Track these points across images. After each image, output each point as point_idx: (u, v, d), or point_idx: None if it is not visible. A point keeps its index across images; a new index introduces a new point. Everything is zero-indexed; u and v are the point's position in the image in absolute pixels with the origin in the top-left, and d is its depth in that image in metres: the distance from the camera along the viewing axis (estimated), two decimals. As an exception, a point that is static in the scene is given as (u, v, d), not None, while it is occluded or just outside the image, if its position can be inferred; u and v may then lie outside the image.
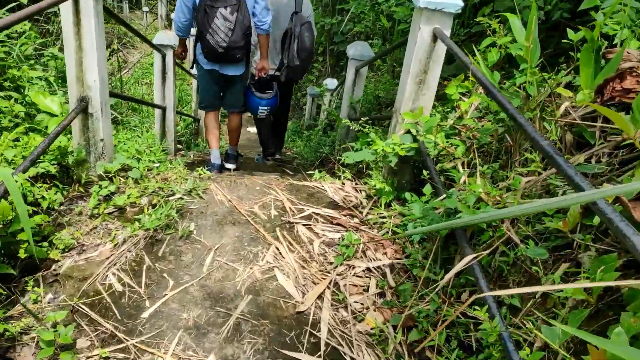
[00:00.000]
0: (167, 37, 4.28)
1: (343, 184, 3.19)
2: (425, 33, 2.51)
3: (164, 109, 4.54)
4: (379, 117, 4.12)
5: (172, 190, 2.81)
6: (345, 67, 9.22)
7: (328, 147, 4.54)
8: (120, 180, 2.80)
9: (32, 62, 4.03)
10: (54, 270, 2.23)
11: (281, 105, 4.69)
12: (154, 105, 4.57)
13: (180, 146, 6.21)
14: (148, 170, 3.01)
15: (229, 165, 4.31)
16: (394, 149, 2.58)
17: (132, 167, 2.89)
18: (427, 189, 2.17)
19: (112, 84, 5.92)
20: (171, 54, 4.34)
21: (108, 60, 8.99)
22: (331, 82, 6.88)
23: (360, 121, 3.20)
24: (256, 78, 4.09)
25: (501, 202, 1.91)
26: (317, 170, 3.98)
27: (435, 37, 2.52)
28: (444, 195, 2.07)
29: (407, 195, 2.64)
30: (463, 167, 2.27)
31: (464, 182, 2.10)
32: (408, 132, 2.68)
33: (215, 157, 4.15)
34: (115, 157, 2.88)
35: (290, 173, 4.26)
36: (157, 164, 3.09)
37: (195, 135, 6.85)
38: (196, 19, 3.44)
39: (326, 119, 6.62)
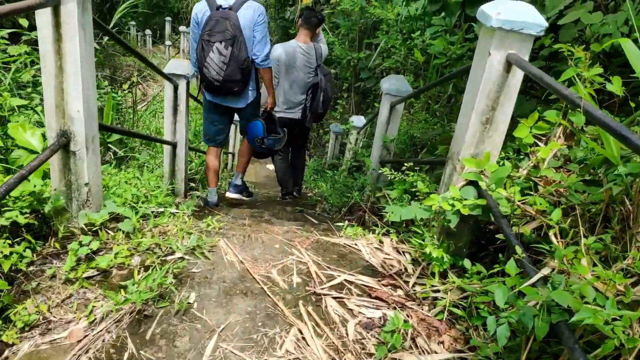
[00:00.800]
0: (181, 65, 3.83)
1: (381, 242, 2.61)
2: (497, 60, 1.97)
3: (174, 145, 4.05)
4: (421, 161, 3.56)
5: (171, 248, 2.26)
6: (371, 104, 8.80)
7: (357, 192, 3.99)
8: (108, 234, 2.27)
9: (29, 90, 3.60)
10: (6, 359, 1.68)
11: (299, 143, 5.15)
12: (161, 141, 4.09)
13: (193, 184, 5.72)
14: (144, 219, 2.48)
15: (228, 194, 4.30)
16: (453, 206, 2.01)
17: (125, 217, 2.37)
18: (512, 268, 1.59)
19: (122, 119, 5.50)
20: (184, 85, 3.88)
21: (128, 92, 8.72)
22: (358, 120, 6.38)
23: (401, 167, 2.65)
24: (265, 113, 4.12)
25: (627, 294, 1.32)
26: (345, 220, 3.44)
27: (509, 65, 1.98)
28: (536, 278, 1.49)
29: (466, 263, 2.06)
30: (556, 237, 1.68)
31: (562, 260, 1.52)
32: (470, 183, 2.11)
33: (212, 197, 4.22)
34: (105, 204, 2.36)
35: (315, 222, 3.69)
36: (159, 210, 2.57)
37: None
38: (196, 52, 3.52)
39: (352, 159, 6.09)
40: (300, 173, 5.60)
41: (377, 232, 2.97)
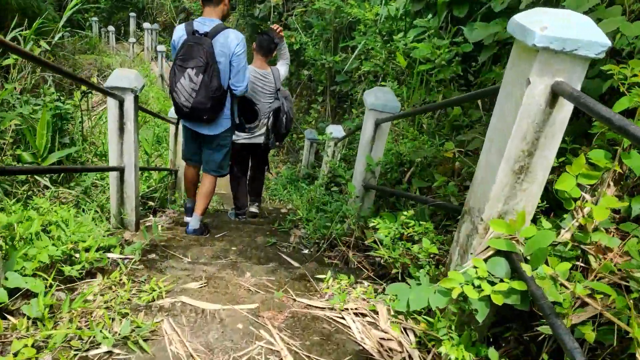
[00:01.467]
0: (127, 77, 3.20)
1: (375, 311, 2.06)
2: (539, 90, 1.44)
3: (121, 171, 3.42)
4: (417, 198, 3.00)
5: (93, 341, 1.66)
6: (348, 110, 8.28)
7: (338, 225, 3.44)
8: (6, 322, 1.66)
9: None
10: None
11: (260, 165, 5.16)
12: (102, 170, 3.46)
13: (152, 203, 5.09)
14: (64, 288, 1.87)
15: (189, 228, 3.91)
16: (481, 289, 1.47)
17: (35, 293, 1.76)
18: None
19: (73, 131, 4.81)
20: (132, 99, 3.25)
21: (84, 98, 8.00)
22: (336, 130, 5.82)
23: (390, 196, 2.10)
24: None
25: None
26: (326, 258, 2.93)
27: (554, 97, 1.44)
28: None
29: (492, 355, 1.53)
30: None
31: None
32: (498, 252, 1.58)
33: (191, 203, 4.14)
34: (6, 277, 1.74)
35: (291, 263, 3.13)
36: (91, 267, 1.95)
37: (173, 189, 5.74)
38: (170, 74, 3.43)
39: (329, 174, 5.53)
40: (259, 189, 5.47)
41: (366, 285, 2.43)
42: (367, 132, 3.52)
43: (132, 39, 17.43)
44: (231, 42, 3.31)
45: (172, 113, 5.38)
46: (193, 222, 3.90)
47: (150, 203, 5.23)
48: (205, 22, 3.34)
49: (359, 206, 3.59)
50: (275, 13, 9.91)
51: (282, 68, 4.75)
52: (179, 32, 3.41)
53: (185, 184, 4.24)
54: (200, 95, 3.24)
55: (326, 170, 5.75)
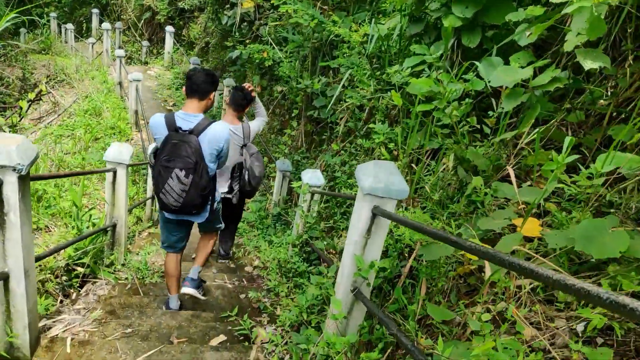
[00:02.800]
0: (5, 149, 2.12)
1: None
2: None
3: (4, 278, 2.34)
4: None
5: None
6: (327, 141, 7.22)
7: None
8: None
9: None
10: None
11: (233, 218, 5.12)
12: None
13: (81, 270, 3.98)
14: None
15: (184, 290, 3.78)
16: None
17: None
18: None
19: None
20: (14, 182, 2.17)
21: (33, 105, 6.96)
22: (314, 176, 4.78)
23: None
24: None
25: None
26: None
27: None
28: None
29: None
30: None
31: None
32: None
33: (173, 304, 3.76)
34: None
35: None
36: None
37: (111, 248, 4.64)
38: (152, 175, 3.26)
39: (305, 234, 4.51)
40: (231, 240, 5.48)
41: None
42: (361, 222, 2.51)
43: (91, 39, 16.06)
44: (220, 139, 3.17)
45: (114, 155, 4.29)
46: (193, 273, 3.88)
47: (79, 269, 4.13)
48: (188, 118, 3.12)
49: (343, 324, 2.59)
50: (245, 23, 8.81)
51: (256, 123, 4.74)
52: (158, 126, 3.16)
53: (167, 279, 3.77)
54: (190, 194, 3.10)
55: (300, 227, 4.72)
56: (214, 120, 3.21)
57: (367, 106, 5.14)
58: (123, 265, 4.70)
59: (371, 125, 4.57)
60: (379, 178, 2.42)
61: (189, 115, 3.13)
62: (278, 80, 8.91)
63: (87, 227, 4.58)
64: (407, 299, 2.78)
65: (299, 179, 7.12)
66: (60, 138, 9.38)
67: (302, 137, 7.42)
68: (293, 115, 7.56)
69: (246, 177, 4.55)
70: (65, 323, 3.13)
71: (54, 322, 3.13)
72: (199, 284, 3.95)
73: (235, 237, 6.65)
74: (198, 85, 3.14)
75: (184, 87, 3.24)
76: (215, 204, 3.58)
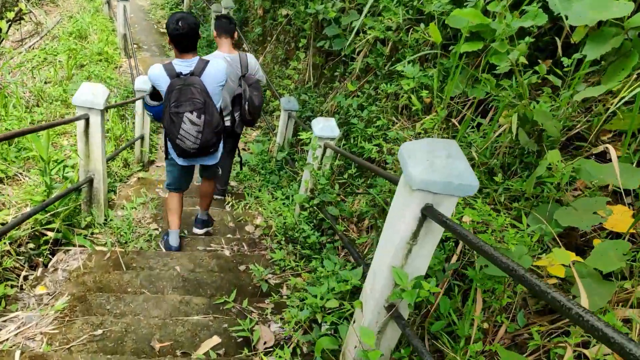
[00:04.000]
0: None
1: None
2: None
3: None
4: None
5: None
6: (339, 78, 6.31)
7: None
8: None
9: None
10: None
11: (227, 149, 4.75)
12: None
13: (51, 235, 3.33)
14: None
15: (196, 230, 4.23)
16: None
17: None
18: None
19: None
20: None
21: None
22: (327, 127, 3.98)
23: None
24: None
25: None
26: None
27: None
28: None
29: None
30: None
31: None
32: None
33: (173, 239, 3.84)
34: None
35: None
36: None
37: (88, 205, 3.96)
38: (163, 123, 3.28)
39: (317, 197, 3.80)
40: (226, 175, 5.26)
41: None
42: (405, 224, 1.79)
43: None
44: (221, 74, 3.26)
45: (85, 98, 3.52)
46: (201, 215, 4.20)
47: (49, 234, 3.48)
48: (185, 63, 3.18)
49: (373, 340, 1.94)
50: None
51: (257, 66, 4.51)
52: (157, 76, 3.19)
53: (170, 216, 3.85)
54: (205, 134, 3.18)
55: (310, 184, 4.01)
56: (209, 60, 3.25)
57: (392, 40, 4.27)
58: (104, 224, 4.04)
59: (398, 67, 3.74)
60: (434, 166, 1.68)
61: (185, 61, 3.19)
62: (283, 1, 7.87)
63: (59, 182, 3.87)
64: (453, 309, 2.13)
65: (307, 119, 6.33)
66: (43, 64, 8.48)
67: (310, 70, 6.53)
68: (300, 45, 6.61)
69: (246, 107, 4.31)
70: (18, 323, 2.50)
71: (4, 321, 2.49)
72: (209, 221, 4.31)
73: (236, 185, 5.98)
74: (189, 40, 3.15)
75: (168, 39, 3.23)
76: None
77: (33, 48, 9.58)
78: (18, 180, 4.39)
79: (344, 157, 4.04)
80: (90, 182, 3.89)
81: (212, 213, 4.75)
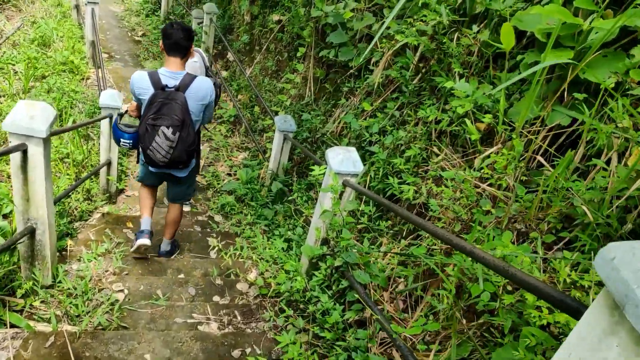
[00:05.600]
0: None
1: None
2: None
3: None
4: None
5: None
6: (346, 95, 5.33)
7: None
8: None
9: None
10: None
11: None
12: None
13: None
14: None
15: (140, 241, 3.57)
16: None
17: None
18: None
19: None
20: None
21: None
22: (348, 159, 3.04)
23: None
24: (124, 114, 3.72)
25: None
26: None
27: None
28: None
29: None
30: None
31: None
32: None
33: (145, 224, 3.65)
34: None
35: None
36: None
37: (29, 263, 2.95)
38: (138, 131, 3.25)
39: (338, 257, 2.84)
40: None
41: None
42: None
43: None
44: (206, 93, 3.19)
45: (20, 122, 2.53)
46: (164, 246, 3.92)
47: None
48: (173, 75, 3.09)
49: None
50: None
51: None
52: (142, 84, 3.10)
53: (141, 201, 3.77)
54: (177, 150, 3.13)
55: (322, 231, 3.07)
56: (196, 75, 3.17)
57: (427, 47, 3.38)
58: (51, 287, 3.03)
59: (447, 84, 2.84)
60: None
61: (173, 73, 3.11)
62: (275, 5, 6.95)
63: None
64: None
65: (303, 141, 5.40)
66: (-2, 74, 7.39)
67: (310, 84, 5.60)
68: (297, 55, 5.69)
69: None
70: None
71: None
72: (174, 248, 4.01)
73: (221, 221, 5.01)
74: (178, 44, 3.08)
75: (161, 42, 3.17)
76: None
77: None
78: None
79: (374, 201, 3.09)
80: (31, 233, 2.88)
81: (194, 263, 3.79)
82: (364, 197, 3.53)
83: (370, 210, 3.09)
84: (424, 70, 3.55)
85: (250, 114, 7.09)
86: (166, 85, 3.05)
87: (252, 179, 5.62)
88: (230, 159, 6.64)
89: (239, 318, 3.11)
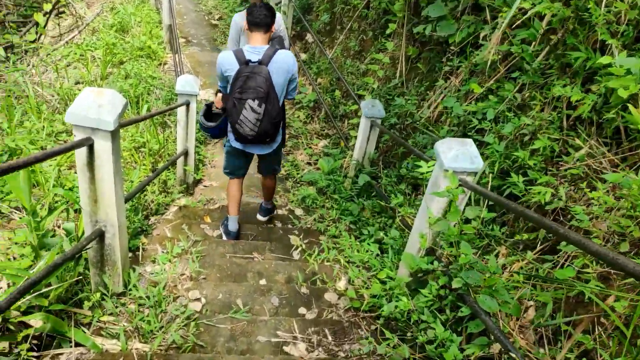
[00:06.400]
0: None
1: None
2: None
3: None
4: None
5: None
6: (446, 76, 4.45)
7: None
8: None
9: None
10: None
11: None
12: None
13: (34, 325, 2.05)
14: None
15: (260, 217, 4.42)
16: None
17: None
18: None
19: None
20: None
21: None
22: (463, 153, 2.50)
23: None
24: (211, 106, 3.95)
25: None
26: None
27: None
28: None
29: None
30: None
31: None
32: None
33: (232, 225, 3.95)
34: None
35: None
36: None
37: (99, 268, 2.66)
38: (227, 106, 3.31)
39: (460, 276, 2.32)
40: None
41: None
42: None
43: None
44: (289, 65, 3.22)
45: (85, 113, 2.20)
46: (265, 204, 4.34)
47: (32, 326, 2.21)
48: (255, 50, 3.16)
49: None
50: None
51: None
52: (229, 61, 3.18)
53: (229, 201, 3.93)
54: (264, 123, 3.21)
55: (429, 238, 2.55)
56: (279, 48, 3.23)
57: (561, 16, 2.73)
58: (122, 294, 2.73)
59: (603, 60, 2.22)
60: None
61: (255, 48, 3.17)
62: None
63: (51, 238, 2.57)
64: None
65: (390, 127, 4.86)
66: (79, 61, 7.36)
67: (401, 64, 5.02)
68: (386, 33, 5.13)
69: None
70: None
71: None
72: (272, 209, 4.41)
73: (302, 215, 4.60)
74: (261, 20, 3.14)
75: (245, 22, 3.23)
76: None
77: (71, 43, 8.53)
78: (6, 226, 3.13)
79: (506, 208, 2.53)
80: (99, 236, 2.57)
81: (276, 266, 3.40)
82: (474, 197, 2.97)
83: (483, 213, 2.53)
84: (552, 44, 2.90)
85: (331, 99, 6.62)
86: (250, 60, 3.12)
87: (334, 169, 5.16)
88: (310, 147, 6.22)
89: (329, 338, 2.67)
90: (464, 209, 2.42)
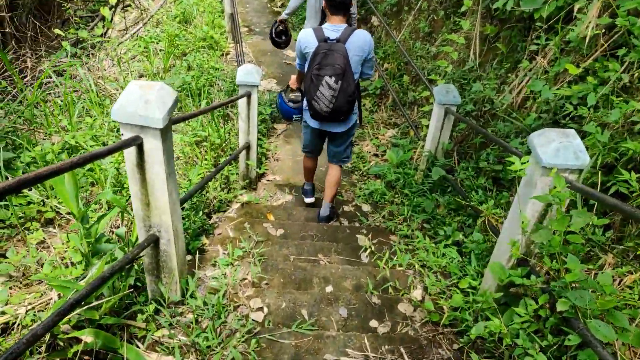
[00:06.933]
0: None
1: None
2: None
3: None
4: None
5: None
6: (531, 56, 3.90)
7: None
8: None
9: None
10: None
11: None
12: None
13: (85, 336, 1.89)
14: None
15: (309, 200, 4.41)
16: None
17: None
18: None
19: None
20: None
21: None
22: (565, 147, 2.11)
23: None
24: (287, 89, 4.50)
25: None
26: None
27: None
28: None
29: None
30: None
31: None
32: None
33: (308, 186, 4.37)
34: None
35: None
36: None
37: (155, 275, 2.47)
38: (304, 83, 3.43)
39: (566, 296, 1.94)
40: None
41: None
42: None
43: None
44: (365, 43, 3.28)
45: (132, 109, 1.99)
46: (323, 209, 4.08)
47: (82, 341, 2.04)
48: (334, 29, 3.26)
49: None
50: None
51: None
52: (308, 38, 3.31)
53: (305, 171, 4.26)
54: (339, 100, 3.27)
55: (522, 244, 2.17)
56: (356, 28, 3.32)
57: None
58: (180, 303, 2.54)
59: None
60: None
61: (334, 26, 3.26)
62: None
63: (104, 245, 2.41)
64: None
65: (465, 115, 4.43)
66: (143, 53, 7.36)
67: (475, 45, 4.57)
68: (460, 11, 4.68)
69: None
70: None
71: None
72: (332, 215, 4.13)
73: (369, 211, 4.29)
74: (340, 3, 3.21)
75: (324, 2, 3.31)
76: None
77: (136, 36, 8.59)
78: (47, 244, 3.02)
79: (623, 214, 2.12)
80: (154, 242, 2.38)
81: (343, 271, 3.11)
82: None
83: (593, 219, 2.11)
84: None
85: (399, 85, 6.21)
86: (328, 38, 3.23)
87: (404, 162, 4.80)
88: (377, 137, 5.87)
89: (406, 358, 2.36)
90: (575, 218, 2.02)
